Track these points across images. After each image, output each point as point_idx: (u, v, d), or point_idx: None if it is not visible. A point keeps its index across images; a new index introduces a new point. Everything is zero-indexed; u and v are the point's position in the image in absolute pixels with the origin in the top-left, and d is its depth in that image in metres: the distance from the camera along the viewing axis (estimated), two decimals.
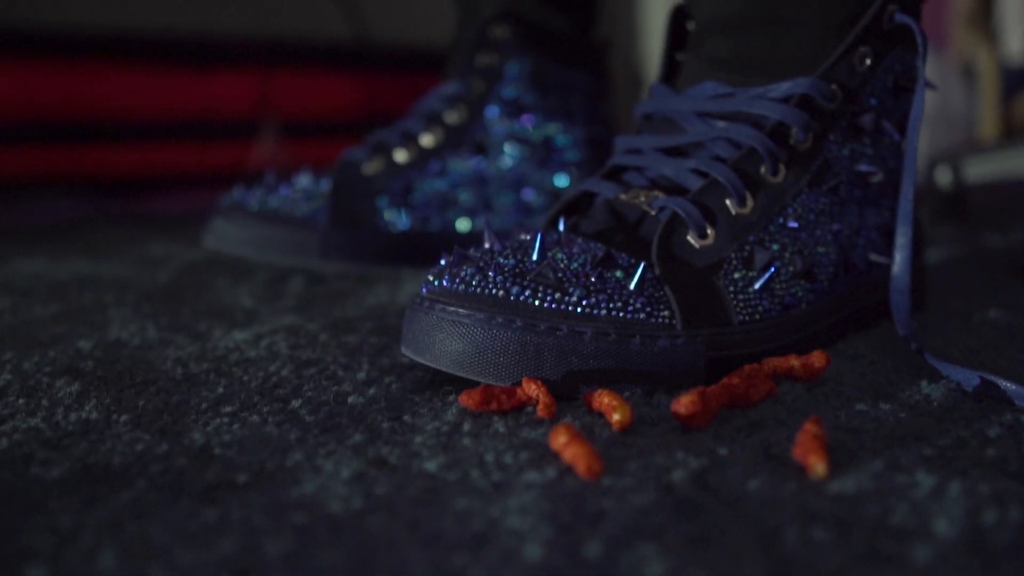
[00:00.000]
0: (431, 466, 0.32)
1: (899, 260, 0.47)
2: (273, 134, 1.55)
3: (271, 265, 0.71)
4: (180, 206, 1.36)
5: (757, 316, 0.44)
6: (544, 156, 0.70)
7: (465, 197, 0.69)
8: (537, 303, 0.39)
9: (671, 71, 0.54)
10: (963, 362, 0.45)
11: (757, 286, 0.44)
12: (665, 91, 0.51)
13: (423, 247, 0.68)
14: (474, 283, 0.40)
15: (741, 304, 0.43)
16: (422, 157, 0.69)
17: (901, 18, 0.47)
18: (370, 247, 0.67)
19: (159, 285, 0.69)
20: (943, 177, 1.07)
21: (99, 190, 1.41)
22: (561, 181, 0.71)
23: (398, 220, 0.68)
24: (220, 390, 0.42)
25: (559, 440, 0.32)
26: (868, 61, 0.47)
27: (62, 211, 1.27)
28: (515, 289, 0.39)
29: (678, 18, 0.54)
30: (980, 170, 1.08)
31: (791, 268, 0.46)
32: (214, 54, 1.49)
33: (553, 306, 0.39)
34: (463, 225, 0.69)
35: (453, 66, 0.73)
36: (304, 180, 0.69)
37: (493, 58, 0.70)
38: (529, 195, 0.70)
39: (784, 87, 0.47)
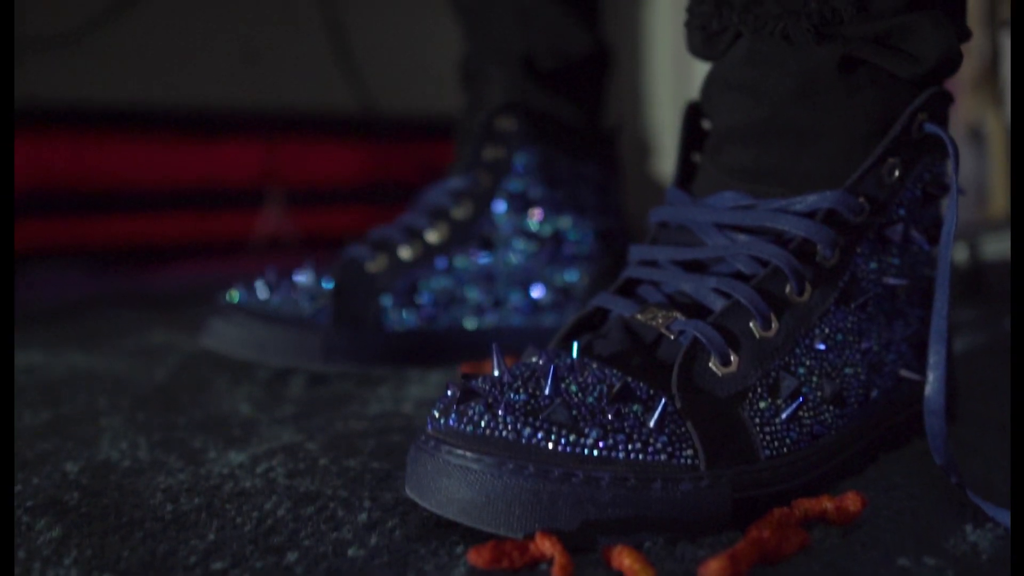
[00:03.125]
0: None
1: (932, 380, 0.45)
2: (279, 203, 1.54)
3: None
4: (185, 276, 1.35)
5: (785, 449, 0.41)
6: (554, 251, 0.68)
7: (472, 295, 0.67)
8: (551, 446, 0.37)
9: (687, 174, 0.52)
10: (1008, 494, 0.42)
11: (784, 416, 0.41)
12: (682, 198, 0.49)
13: (429, 347, 0.66)
14: (483, 423, 0.37)
15: (767, 437, 0.41)
16: (428, 254, 0.67)
17: (931, 128, 0.45)
18: (374, 348, 0.65)
19: (155, 384, 0.67)
20: (959, 254, 1.05)
21: (103, 262, 1.39)
22: (571, 276, 0.69)
23: (403, 319, 0.65)
24: (211, 536, 0.39)
25: None
26: (897, 172, 0.45)
27: (66, 287, 1.25)
28: (527, 431, 0.37)
29: (692, 116, 0.52)
30: (998, 247, 1.06)
31: (819, 394, 0.43)
32: (219, 124, 1.49)
33: (568, 449, 0.37)
34: (470, 324, 0.67)
35: (459, 158, 0.71)
36: (305, 278, 0.67)
37: (500, 151, 0.68)
38: (539, 292, 0.68)
39: (809, 201, 0.44)
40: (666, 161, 1.41)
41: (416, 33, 1.55)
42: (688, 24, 0.49)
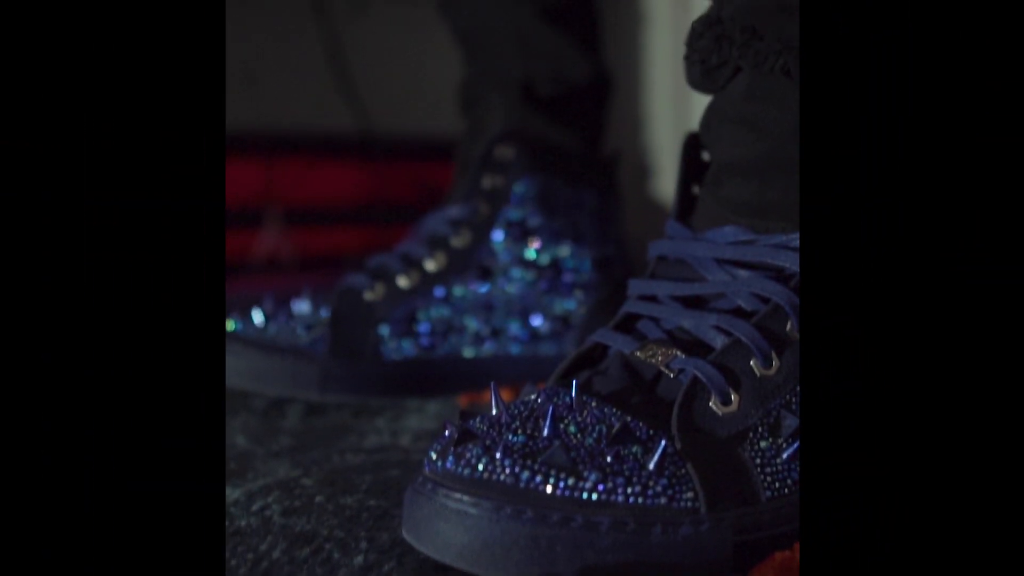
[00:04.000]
0: None
1: None
2: (277, 223, 1.54)
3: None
4: None
5: (786, 490, 0.40)
6: (552, 279, 0.68)
7: (471, 324, 0.66)
8: (549, 490, 0.36)
9: (687, 206, 0.51)
10: None
11: (785, 456, 0.41)
12: (682, 231, 0.49)
13: (428, 376, 0.66)
14: (480, 467, 0.37)
15: (768, 478, 0.40)
16: (426, 283, 0.66)
17: None
18: (372, 378, 0.64)
19: None
20: None
21: None
22: (570, 305, 0.68)
23: (401, 349, 0.65)
24: None
25: None
26: None
27: None
28: (525, 475, 0.36)
29: (692, 148, 0.52)
30: None
31: None
32: None
33: (567, 493, 0.36)
34: (469, 353, 0.66)
35: (458, 186, 0.71)
36: (303, 306, 0.67)
37: (499, 180, 0.68)
38: (537, 321, 0.67)
39: None
40: (665, 184, 1.40)
41: (415, 55, 1.55)
42: (687, 58, 0.49)
